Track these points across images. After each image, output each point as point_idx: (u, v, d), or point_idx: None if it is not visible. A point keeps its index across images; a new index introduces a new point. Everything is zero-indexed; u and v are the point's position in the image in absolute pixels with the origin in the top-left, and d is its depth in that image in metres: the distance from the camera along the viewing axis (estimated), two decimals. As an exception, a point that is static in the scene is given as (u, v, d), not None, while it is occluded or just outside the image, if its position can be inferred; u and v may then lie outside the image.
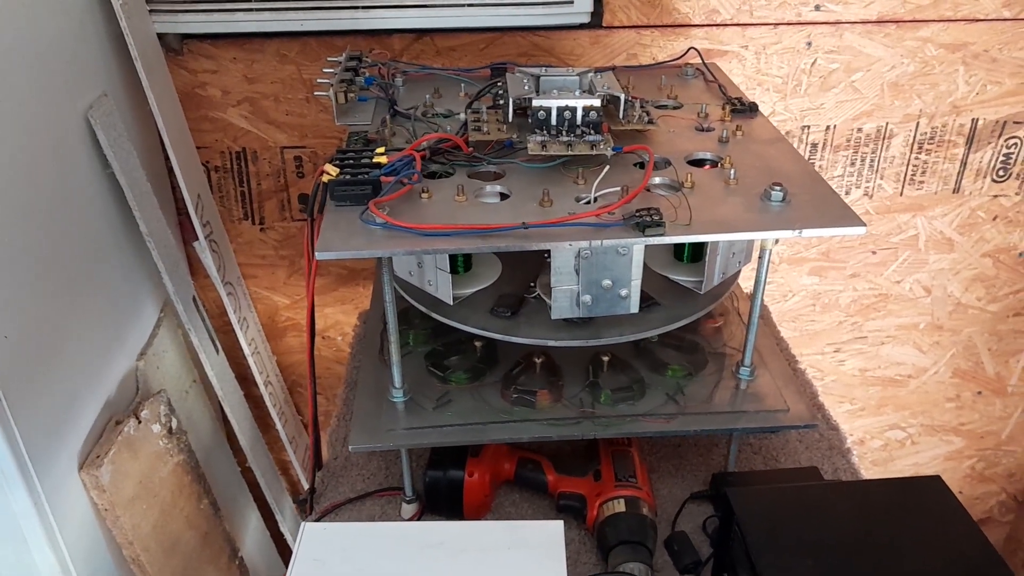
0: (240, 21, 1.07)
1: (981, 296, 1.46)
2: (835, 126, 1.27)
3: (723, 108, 0.93)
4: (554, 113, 0.80)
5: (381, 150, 0.78)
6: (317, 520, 0.91)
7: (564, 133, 0.80)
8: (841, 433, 1.02)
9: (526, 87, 0.84)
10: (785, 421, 0.81)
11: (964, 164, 1.32)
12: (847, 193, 1.33)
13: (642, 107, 0.89)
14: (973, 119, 1.28)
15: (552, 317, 0.77)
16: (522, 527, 0.67)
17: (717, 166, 0.82)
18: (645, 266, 0.88)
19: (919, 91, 1.25)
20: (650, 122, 0.86)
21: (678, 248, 0.86)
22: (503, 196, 0.76)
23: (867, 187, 1.33)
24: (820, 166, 1.30)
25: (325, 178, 0.73)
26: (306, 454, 1.36)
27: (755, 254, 0.80)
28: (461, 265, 0.85)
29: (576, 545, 0.84)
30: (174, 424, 1.04)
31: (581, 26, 1.13)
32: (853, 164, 1.30)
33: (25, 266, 0.81)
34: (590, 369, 0.86)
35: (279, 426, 1.30)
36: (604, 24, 1.15)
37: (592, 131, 0.80)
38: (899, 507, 0.75)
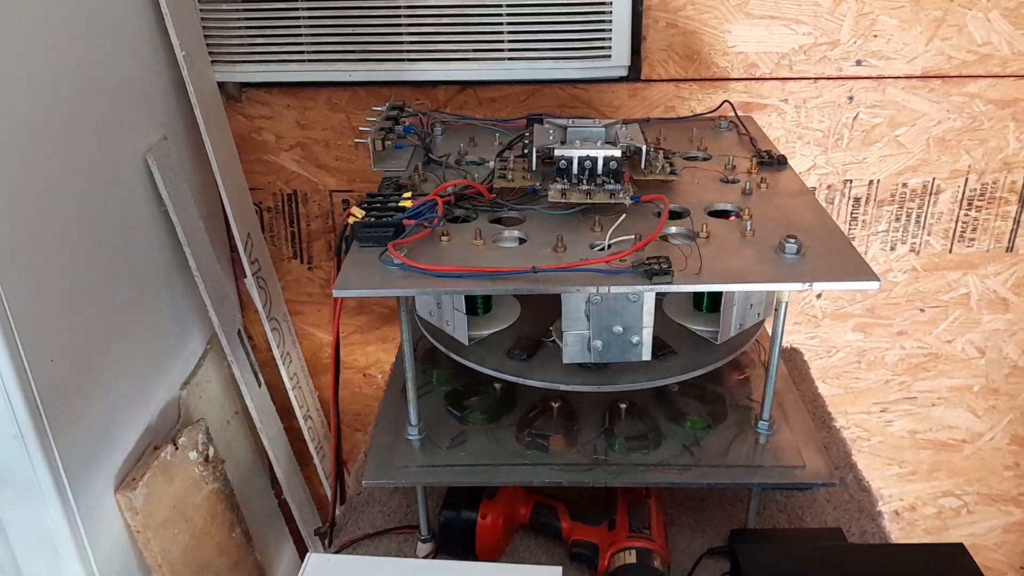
0: (294, 71, 1.14)
1: (1040, 359, 1.40)
2: (879, 181, 1.25)
3: (751, 160, 0.94)
4: (575, 162, 0.82)
5: (408, 195, 0.81)
6: (337, 552, 0.93)
7: (585, 182, 0.82)
8: (873, 495, 0.99)
9: (551, 137, 0.86)
10: (801, 478, 0.79)
11: (1017, 222, 1.28)
12: (892, 249, 1.31)
13: (666, 158, 0.91)
14: (1026, 176, 1.25)
15: (564, 361, 0.78)
16: (519, 571, 0.67)
17: (738, 217, 0.82)
18: (664, 314, 0.89)
19: (967, 147, 1.23)
20: (672, 173, 0.87)
21: (697, 298, 0.87)
22: (521, 241, 0.79)
23: (913, 243, 1.30)
24: (864, 221, 1.28)
25: (351, 219, 0.77)
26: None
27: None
28: (481, 307, 0.87)
29: (587, 594, 0.84)
30: (211, 453, 1.09)
31: (620, 79, 1.16)
32: (898, 219, 1.28)
33: (75, 294, 0.87)
34: (606, 416, 0.86)
35: (316, 460, 1.33)
36: (642, 77, 1.17)
37: (612, 180, 0.82)
38: (916, 575, 0.72)
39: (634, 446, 0.82)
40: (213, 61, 1.13)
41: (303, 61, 1.13)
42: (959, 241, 1.31)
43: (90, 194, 0.90)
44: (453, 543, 0.87)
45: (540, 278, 0.70)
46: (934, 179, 1.25)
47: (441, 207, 0.79)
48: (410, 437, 0.83)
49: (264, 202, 1.28)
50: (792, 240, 0.73)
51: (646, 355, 0.78)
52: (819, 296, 1.35)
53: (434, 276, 0.70)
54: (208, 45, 1.12)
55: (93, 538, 0.86)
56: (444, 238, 0.77)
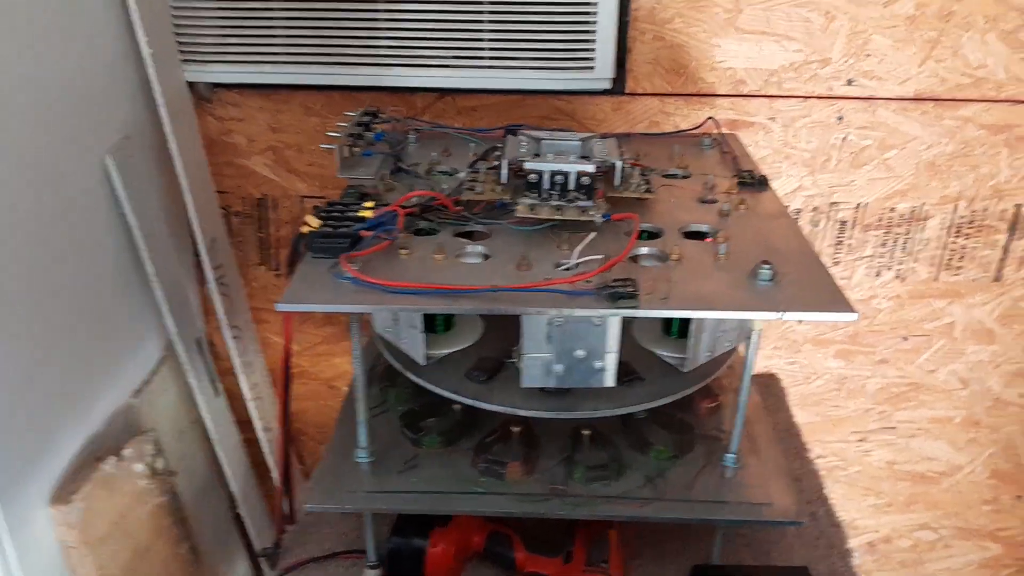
0: (267, 73, 1.09)
1: (1024, 393, 1.37)
2: (866, 204, 1.22)
3: (731, 180, 0.90)
4: (547, 177, 0.78)
5: (370, 204, 0.77)
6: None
7: (556, 197, 0.78)
8: (843, 531, 0.95)
9: (523, 149, 0.82)
10: (767, 516, 0.75)
11: (1007, 251, 1.25)
12: (878, 275, 1.27)
13: (643, 175, 0.87)
14: (1017, 204, 1.21)
15: (522, 385, 0.74)
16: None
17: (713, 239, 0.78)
18: (634, 339, 0.85)
19: (958, 172, 1.19)
20: (648, 191, 0.84)
21: (666, 322, 0.83)
22: (485, 257, 0.75)
23: (899, 269, 1.27)
24: (849, 245, 1.25)
25: (305, 229, 0.73)
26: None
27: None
28: (441, 324, 0.83)
29: (539, 630, 0.80)
30: (159, 465, 1.04)
31: (604, 92, 1.12)
32: (884, 245, 1.25)
33: (13, 292, 0.82)
34: (568, 443, 0.82)
35: (275, 474, 1.29)
36: (627, 91, 1.13)
37: (584, 197, 0.78)
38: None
39: (594, 476, 0.78)
40: (184, 60, 1.08)
41: (277, 63, 1.09)
42: (946, 269, 1.27)
43: (40, 190, 0.86)
44: (401, 571, 0.83)
45: (499, 298, 0.66)
46: (923, 204, 1.22)
47: (402, 219, 0.75)
48: (359, 460, 0.79)
49: (232, 206, 1.24)
50: (767, 266, 0.69)
51: (610, 381, 0.74)
52: (800, 321, 1.31)
53: (387, 292, 0.66)
54: (179, 43, 1.07)
55: (23, 552, 0.82)
56: (403, 252, 0.73)
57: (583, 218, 0.77)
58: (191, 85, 1.13)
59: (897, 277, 1.28)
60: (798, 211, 1.22)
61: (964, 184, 1.20)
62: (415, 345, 0.77)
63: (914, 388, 1.38)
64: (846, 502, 1.49)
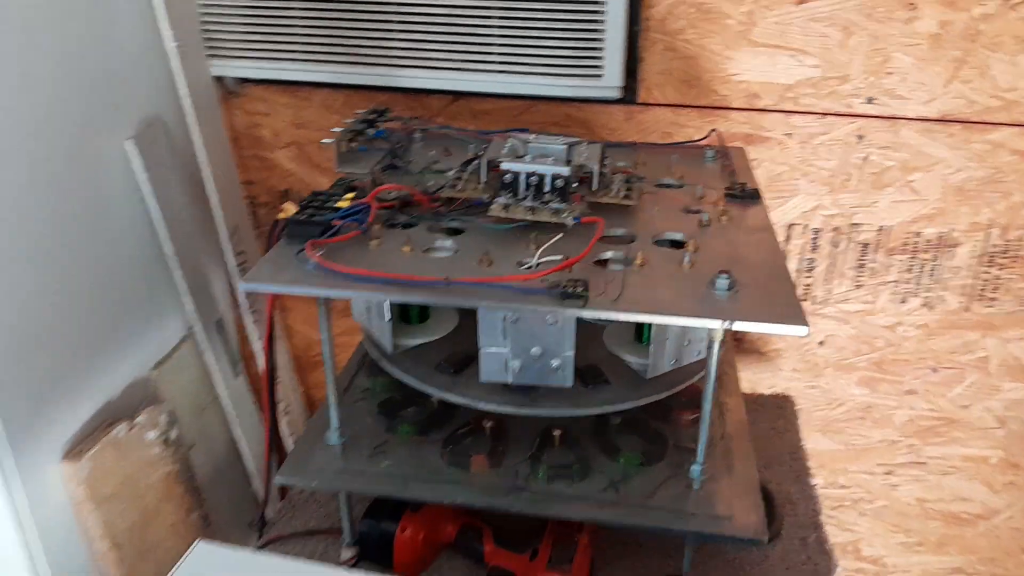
0: (289, 70, 1.15)
1: (1066, 436, 1.29)
2: (890, 227, 1.18)
3: (721, 192, 0.89)
4: (522, 178, 0.80)
5: (350, 196, 0.81)
6: (261, 547, 0.93)
7: (530, 199, 0.80)
8: (832, 559, 0.93)
9: (505, 150, 0.84)
10: (728, 530, 0.74)
11: (1044, 285, 1.19)
12: (903, 301, 1.23)
13: (628, 182, 0.88)
14: (1055, 236, 1.15)
15: (480, 379, 0.76)
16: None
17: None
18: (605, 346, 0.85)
19: (989, 199, 1.14)
20: (626, 197, 0.84)
21: (638, 330, 0.83)
22: (455, 252, 0.77)
23: (927, 297, 1.22)
24: (872, 268, 1.21)
25: (282, 215, 0.77)
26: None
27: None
28: (415, 315, 0.85)
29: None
30: (173, 435, 1.10)
31: (615, 101, 1.13)
32: (910, 271, 1.20)
33: (37, 266, 0.89)
34: (537, 442, 0.83)
35: (288, 456, 1.34)
36: (639, 101, 1.14)
37: (558, 199, 0.79)
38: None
39: (557, 474, 0.79)
40: (211, 55, 1.15)
41: (299, 60, 1.14)
42: (979, 300, 1.22)
43: (67, 168, 0.93)
44: (371, 553, 0.85)
45: (452, 290, 0.68)
46: (952, 230, 1.17)
47: (374, 211, 0.78)
48: (329, 442, 0.82)
49: (259, 197, 1.30)
50: (724, 276, 0.69)
51: (567, 381, 0.75)
52: (821, 343, 1.28)
53: (344, 279, 0.69)
54: (207, 39, 1.14)
55: (35, 504, 0.88)
56: (374, 242, 0.76)
57: (555, 220, 0.78)
58: (219, 79, 1.19)
59: (924, 305, 1.23)
60: (817, 231, 1.19)
61: (996, 211, 1.15)
62: (384, 334, 0.80)
63: (946, 423, 1.32)
64: (873, 537, 1.44)
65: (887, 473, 1.37)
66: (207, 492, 1.19)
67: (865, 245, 1.20)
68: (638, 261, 0.73)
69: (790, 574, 0.90)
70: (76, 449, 0.96)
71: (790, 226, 1.20)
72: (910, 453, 1.35)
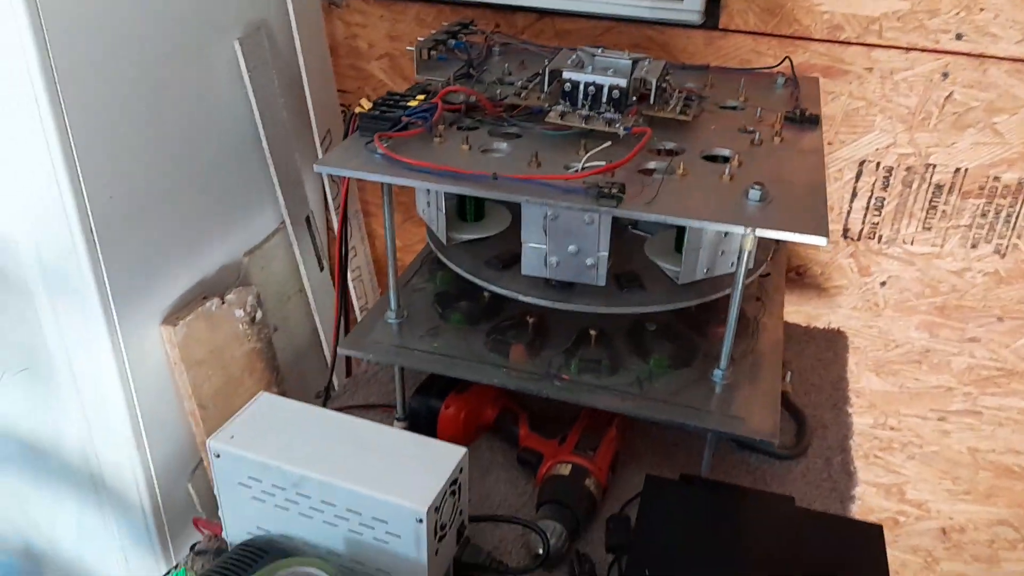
0: (385, -17, 1.22)
1: None
2: (967, 170, 1.16)
3: (780, 115, 0.91)
4: (581, 87, 0.84)
5: (421, 97, 0.88)
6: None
7: (587, 108, 0.84)
8: (853, 480, 0.96)
9: (570, 61, 0.89)
10: (740, 430, 0.79)
11: None
12: (974, 246, 1.21)
13: (687, 100, 0.91)
14: None
15: (522, 272, 0.82)
16: (431, 444, 0.73)
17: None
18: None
19: (1078, 147, 1.11)
20: (683, 113, 0.87)
21: (678, 239, 0.87)
22: (509, 154, 0.83)
23: (999, 243, 1.19)
24: (944, 211, 1.19)
25: (357, 110, 0.85)
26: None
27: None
28: (471, 213, 0.92)
29: (526, 498, 0.89)
30: (258, 316, 1.22)
31: (697, 26, 1.14)
32: (984, 215, 1.18)
33: (144, 149, 1.00)
34: (575, 339, 0.89)
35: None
36: (720, 27, 1.15)
37: (613, 109, 0.84)
38: (811, 542, 0.71)
39: (587, 367, 0.85)
40: (315, -36, 1.23)
41: (393, -26, 1.20)
42: (1057, 251, 1.18)
43: (180, 61, 1.03)
44: (419, 428, 0.94)
45: (498, 185, 0.74)
46: (1034, 178, 1.14)
47: (440, 112, 0.84)
48: (388, 320, 0.91)
49: (351, 105, 1.39)
50: (757, 187, 0.72)
51: (600, 280, 0.80)
52: (883, 284, 1.27)
53: (405, 168, 0.77)
54: (311, -51, 1.22)
55: (135, 363, 1.02)
56: (437, 140, 0.83)
57: (608, 129, 0.82)
58: (325, -10, 1.28)
59: (996, 252, 1.20)
60: (890, 169, 1.18)
61: (1085, 159, 1.11)
62: (440, 225, 0.87)
63: (1006, 375, 1.30)
64: (919, 482, 1.44)
65: (940, 419, 1.37)
66: (286, 372, 1.32)
67: (939, 187, 1.18)
68: (680, 171, 0.77)
69: (809, 488, 0.94)
70: (173, 316, 1.09)
71: (862, 163, 1.19)
72: (966, 401, 1.34)
